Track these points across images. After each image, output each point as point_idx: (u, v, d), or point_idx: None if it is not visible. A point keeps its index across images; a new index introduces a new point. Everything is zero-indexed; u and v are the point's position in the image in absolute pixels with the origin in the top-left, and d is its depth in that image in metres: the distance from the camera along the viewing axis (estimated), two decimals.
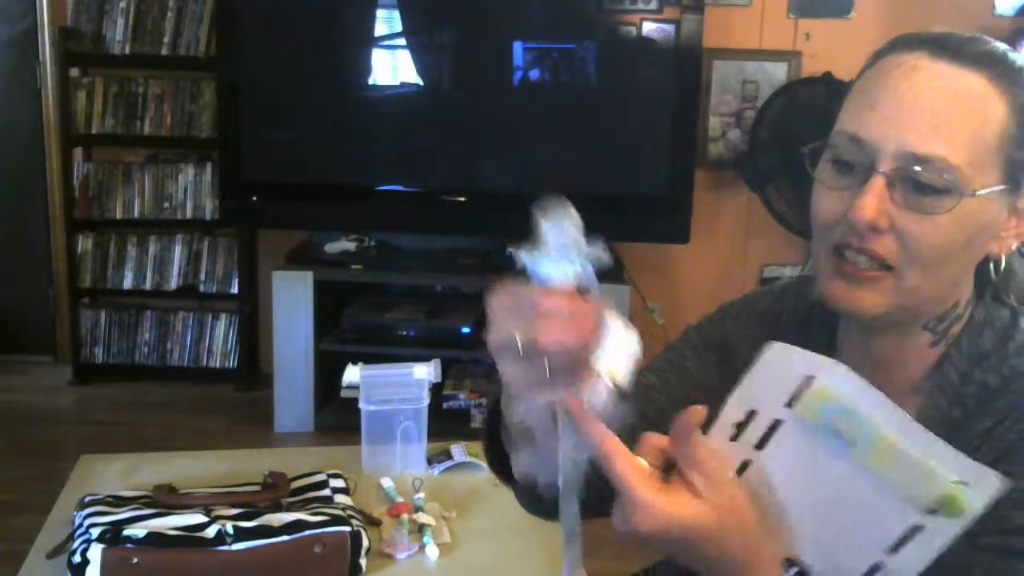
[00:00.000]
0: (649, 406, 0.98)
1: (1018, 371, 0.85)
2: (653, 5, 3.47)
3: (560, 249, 0.77)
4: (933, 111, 0.81)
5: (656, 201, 3.56)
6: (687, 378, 1.03)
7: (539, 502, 0.93)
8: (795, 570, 0.74)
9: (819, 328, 0.96)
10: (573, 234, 0.78)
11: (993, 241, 0.86)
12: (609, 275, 3.54)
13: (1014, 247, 0.87)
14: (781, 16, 3.83)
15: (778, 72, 3.82)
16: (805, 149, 0.86)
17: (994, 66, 0.83)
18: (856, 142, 0.83)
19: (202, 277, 3.93)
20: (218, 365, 3.98)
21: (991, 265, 0.88)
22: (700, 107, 3.70)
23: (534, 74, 3.62)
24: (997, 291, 0.90)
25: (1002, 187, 0.83)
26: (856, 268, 0.83)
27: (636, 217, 3.58)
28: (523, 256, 0.78)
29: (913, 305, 0.85)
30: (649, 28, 3.50)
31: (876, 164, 0.82)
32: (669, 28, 3.48)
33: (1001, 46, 0.86)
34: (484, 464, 1.67)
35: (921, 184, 0.80)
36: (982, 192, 0.81)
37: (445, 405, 3.52)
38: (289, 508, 1.39)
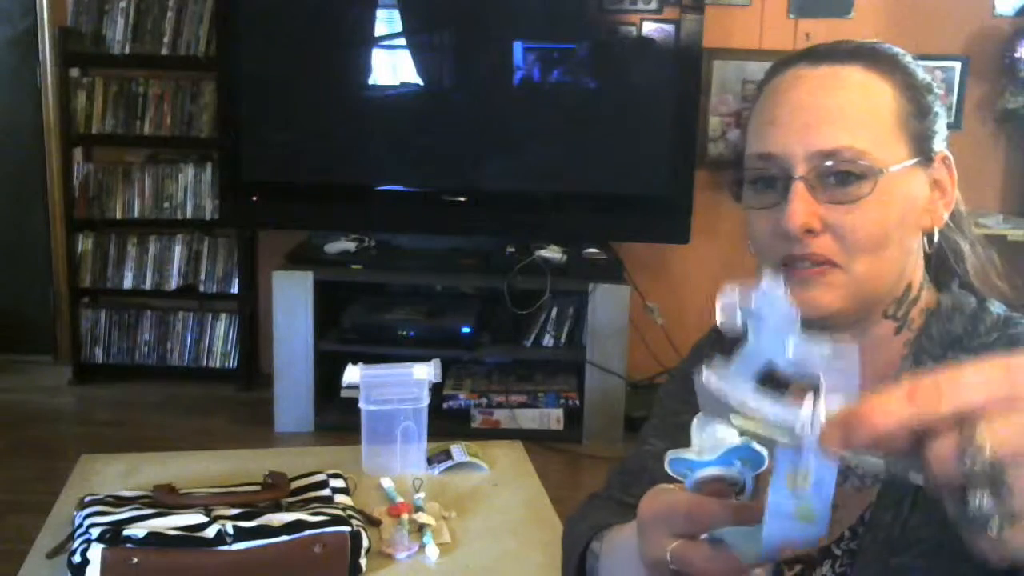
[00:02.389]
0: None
1: (987, 346, 0.85)
2: (653, 5, 3.47)
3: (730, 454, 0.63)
4: (827, 108, 0.85)
5: (656, 201, 3.56)
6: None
7: None
8: None
9: None
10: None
11: (924, 215, 0.89)
12: (609, 275, 3.56)
13: (945, 217, 0.89)
14: (781, 16, 3.83)
15: None
16: (726, 187, 0.90)
17: (864, 57, 0.88)
18: (767, 159, 0.87)
19: (202, 277, 3.93)
20: (218, 365, 3.98)
21: (924, 240, 0.90)
22: (700, 107, 3.70)
23: (534, 74, 3.62)
24: (963, 279, 0.92)
25: (914, 160, 0.87)
26: (804, 271, 0.86)
27: (636, 217, 3.58)
28: (672, 456, 0.66)
29: (868, 294, 0.87)
30: (649, 28, 3.50)
31: (792, 172, 0.85)
32: (669, 28, 3.48)
33: (866, 43, 0.91)
34: (484, 464, 1.68)
35: (838, 176, 0.84)
36: (895, 167, 0.85)
37: (445, 405, 3.53)
38: (289, 508, 1.39)
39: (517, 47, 3.58)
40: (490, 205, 3.58)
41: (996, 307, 0.89)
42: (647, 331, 3.82)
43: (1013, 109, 3.80)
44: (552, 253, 3.59)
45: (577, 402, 3.57)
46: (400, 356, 2.00)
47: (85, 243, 3.91)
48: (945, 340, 0.88)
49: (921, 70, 0.90)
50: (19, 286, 4.16)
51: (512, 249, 3.64)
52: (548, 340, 3.67)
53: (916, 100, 0.88)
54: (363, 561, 1.36)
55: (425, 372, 1.68)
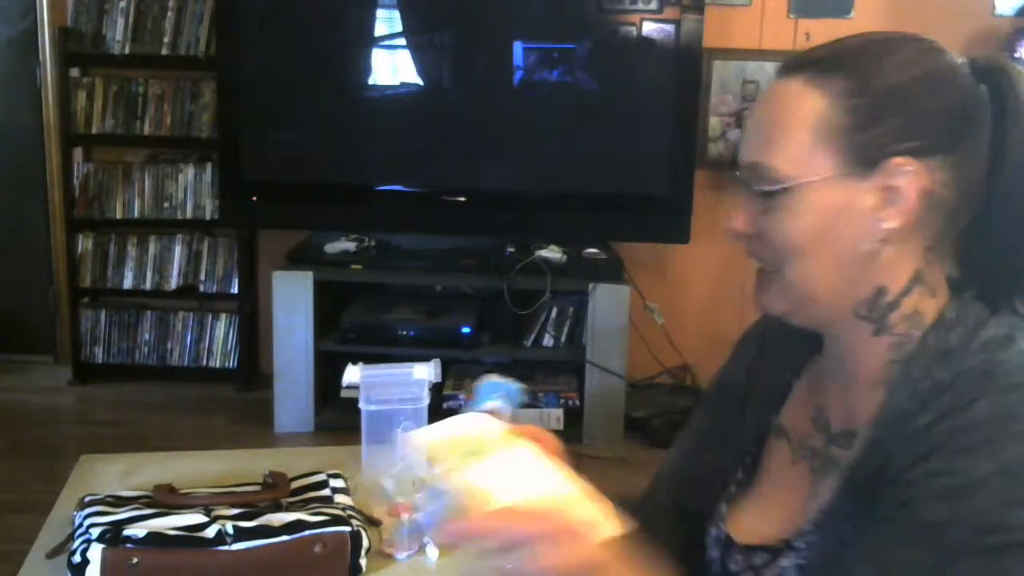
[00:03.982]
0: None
1: (967, 369, 0.84)
2: (653, 5, 3.47)
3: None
4: (759, 123, 0.92)
5: (656, 201, 3.56)
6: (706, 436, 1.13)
7: None
8: None
9: (805, 335, 1.00)
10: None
11: (867, 225, 0.88)
12: (609, 275, 3.56)
13: (889, 226, 0.88)
14: (781, 16, 3.84)
15: None
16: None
17: (815, 64, 0.89)
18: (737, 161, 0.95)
19: (202, 277, 3.93)
20: (218, 365, 3.98)
21: (874, 243, 0.89)
22: (700, 107, 3.70)
23: (534, 74, 3.62)
24: (980, 286, 0.90)
25: (841, 175, 0.87)
26: (759, 274, 0.94)
27: (636, 217, 3.58)
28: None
29: (808, 297, 0.91)
30: (649, 28, 3.50)
31: (740, 180, 0.93)
32: (669, 28, 3.48)
33: (855, 41, 0.91)
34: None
35: (759, 188, 0.90)
36: (811, 182, 0.87)
37: (445, 405, 3.52)
38: (289, 508, 1.39)
39: (517, 47, 3.58)
40: (490, 205, 3.58)
41: (1000, 326, 0.87)
42: (647, 331, 3.82)
43: None
44: (552, 253, 3.59)
45: (577, 402, 3.57)
46: (400, 356, 2.00)
47: (85, 243, 3.91)
48: (940, 351, 0.87)
49: (897, 72, 0.87)
50: (19, 286, 4.16)
51: (512, 249, 3.64)
52: (548, 340, 3.67)
53: (860, 110, 0.87)
54: (363, 561, 1.36)
55: (425, 372, 1.67)
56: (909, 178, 0.86)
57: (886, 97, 0.87)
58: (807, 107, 0.88)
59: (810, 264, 0.89)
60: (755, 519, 0.99)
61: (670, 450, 1.15)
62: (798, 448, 0.99)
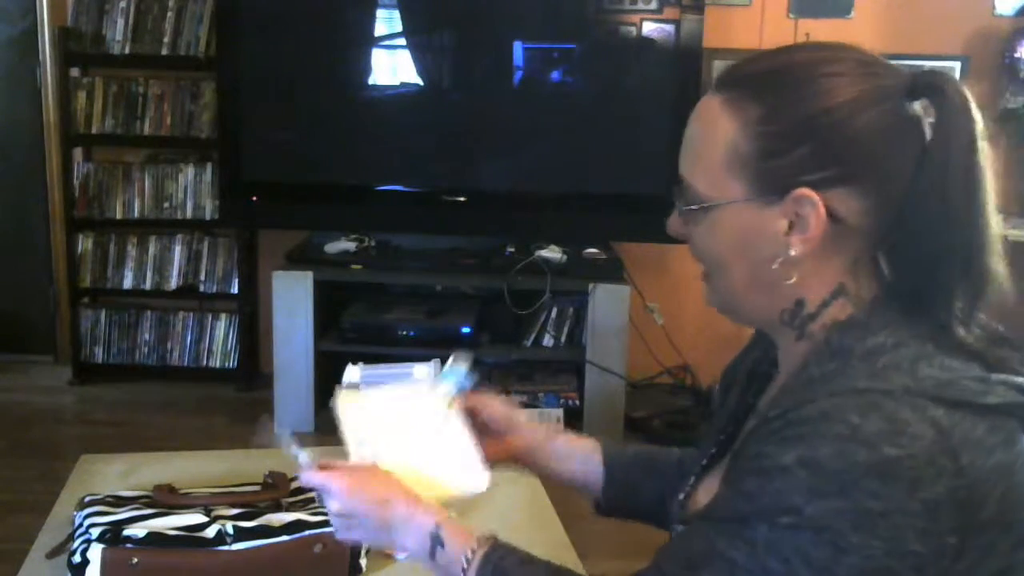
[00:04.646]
0: None
1: (830, 371, 0.85)
2: (653, 5, 3.47)
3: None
4: (686, 137, 0.95)
5: (656, 201, 3.52)
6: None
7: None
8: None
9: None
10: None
11: (774, 247, 0.90)
12: (609, 275, 3.56)
13: (792, 253, 0.89)
14: (781, 16, 3.83)
15: None
16: None
17: (734, 87, 0.90)
18: None
19: (202, 277, 3.93)
20: (218, 365, 3.98)
21: (774, 265, 0.91)
22: None
23: (534, 74, 3.62)
24: (910, 294, 0.89)
25: (749, 199, 0.89)
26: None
27: (636, 217, 3.57)
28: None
29: (733, 302, 0.97)
30: (649, 28, 3.50)
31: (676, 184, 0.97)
32: (669, 28, 3.48)
33: (780, 60, 0.91)
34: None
35: (682, 201, 0.95)
36: (722, 203, 0.91)
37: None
38: (289, 508, 1.40)
39: (517, 47, 3.58)
40: (490, 205, 3.58)
41: (894, 334, 0.86)
42: (647, 331, 3.82)
43: (1013, 109, 3.80)
44: (552, 253, 3.59)
45: (577, 402, 3.57)
46: (400, 356, 1.99)
47: (85, 243, 3.91)
48: (835, 350, 0.88)
49: (813, 101, 0.86)
50: (19, 286, 4.16)
51: (512, 249, 3.64)
52: (548, 340, 3.67)
53: (769, 139, 0.87)
54: (363, 561, 1.36)
55: (425, 372, 1.67)
56: (813, 208, 0.87)
57: (795, 127, 0.87)
58: (721, 130, 0.90)
59: (729, 275, 0.95)
60: (706, 493, 1.03)
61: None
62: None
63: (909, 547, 0.78)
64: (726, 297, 0.97)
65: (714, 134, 0.90)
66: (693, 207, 0.93)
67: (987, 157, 0.88)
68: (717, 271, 0.96)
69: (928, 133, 0.87)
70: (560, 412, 3.56)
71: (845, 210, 0.87)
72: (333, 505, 1.05)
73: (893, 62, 0.91)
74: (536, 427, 1.22)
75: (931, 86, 0.87)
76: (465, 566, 0.99)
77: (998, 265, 0.89)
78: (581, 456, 1.24)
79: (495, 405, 1.20)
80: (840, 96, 0.86)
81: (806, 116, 0.87)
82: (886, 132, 0.86)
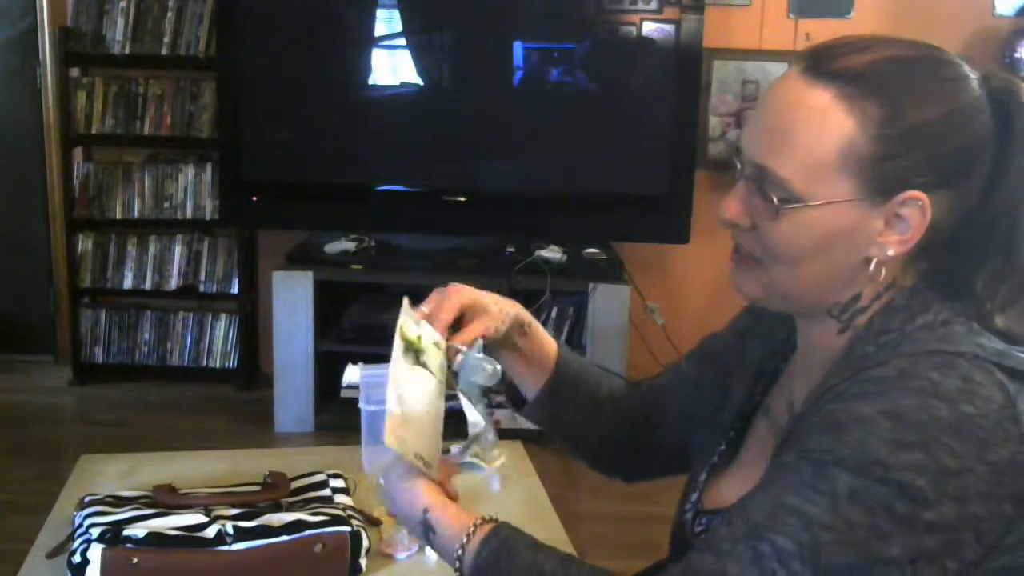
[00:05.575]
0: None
1: (887, 341, 0.87)
2: (653, 5, 3.47)
3: None
4: (773, 125, 0.89)
5: (656, 201, 3.56)
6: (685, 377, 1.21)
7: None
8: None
9: (794, 323, 1.04)
10: None
11: (870, 246, 0.89)
12: (609, 275, 3.56)
13: (892, 253, 0.89)
14: (781, 16, 3.83)
15: (778, 72, 3.77)
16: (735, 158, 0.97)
17: (850, 82, 0.87)
18: (738, 149, 0.94)
19: (202, 277, 3.93)
20: (218, 365, 3.98)
21: (871, 266, 0.90)
22: (700, 107, 3.70)
23: (534, 74, 3.62)
24: (942, 284, 0.92)
25: (856, 199, 0.87)
26: (735, 256, 0.95)
27: (636, 217, 3.58)
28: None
29: (790, 295, 0.93)
30: (649, 28, 3.50)
31: (742, 169, 0.92)
32: (669, 28, 3.48)
33: (891, 56, 0.88)
34: (484, 464, 1.68)
35: (766, 191, 0.89)
36: (822, 203, 0.87)
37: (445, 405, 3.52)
38: (289, 508, 1.39)
39: (517, 47, 3.58)
40: (490, 205, 3.58)
41: (941, 312, 0.89)
42: (647, 331, 3.82)
43: None
44: (552, 253, 3.59)
45: None
46: None
47: (85, 243, 3.91)
48: (879, 333, 0.89)
49: (928, 107, 0.87)
50: (19, 286, 4.16)
51: (512, 249, 3.64)
52: None
53: (889, 142, 0.86)
54: (363, 561, 1.36)
55: None
56: (917, 210, 0.87)
57: (914, 131, 0.86)
58: (836, 128, 0.86)
59: (799, 271, 0.91)
60: (728, 488, 1.03)
61: (647, 380, 1.25)
62: (773, 426, 1.03)
63: (973, 510, 0.79)
64: (782, 289, 0.93)
65: (825, 130, 0.86)
66: (786, 204, 0.88)
67: None
68: (784, 266, 0.91)
69: (1007, 136, 0.89)
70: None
71: (937, 214, 0.88)
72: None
73: None
74: (498, 318, 1.11)
75: (1006, 91, 0.89)
76: (464, 542, 0.96)
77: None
78: (538, 356, 1.17)
79: (470, 291, 1.13)
80: (957, 102, 0.87)
81: (925, 121, 0.86)
82: (978, 142, 0.88)
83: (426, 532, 1.00)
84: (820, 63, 0.88)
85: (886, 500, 0.78)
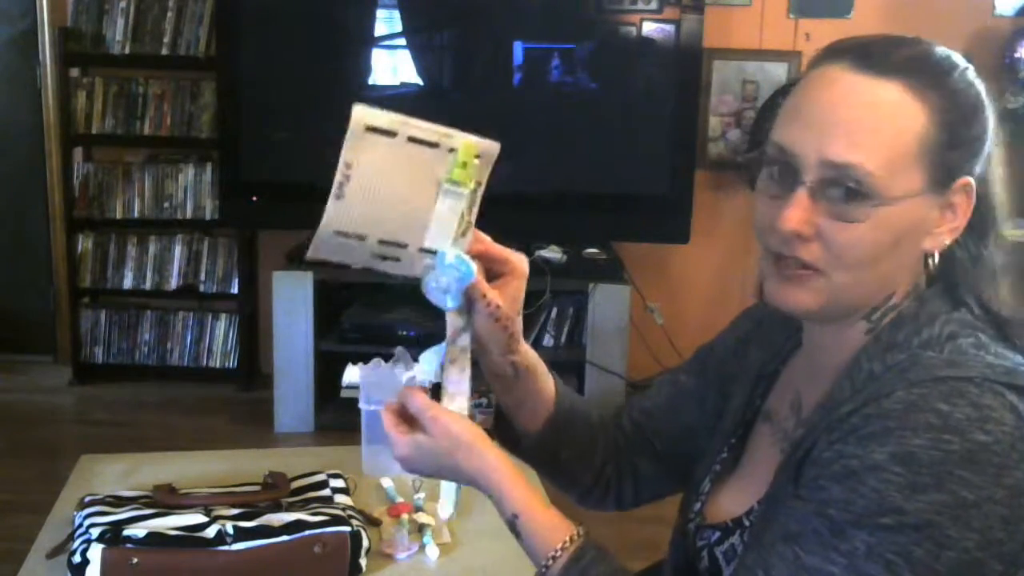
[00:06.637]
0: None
1: (898, 362, 0.86)
2: (653, 5, 3.47)
3: None
4: (849, 122, 0.85)
5: (656, 201, 3.56)
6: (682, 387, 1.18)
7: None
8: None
9: (794, 324, 1.03)
10: None
11: (926, 238, 0.89)
12: (609, 275, 3.56)
13: (947, 242, 0.89)
14: (781, 16, 3.83)
15: (778, 72, 3.82)
16: (740, 158, 0.92)
17: (911, 73, 0.86)
18: (783, 152, 0.88)
19: (202, 277, 3.92)
20: (218, 365, 3.98)
21: (927, 260, 0.90)
22: (700, 107, 3.70)
23: (534, 74, 3.62)
24: (948, 286, 0.91)
25: (925, 191, 0.86)
26: (789, 270, 0.89)
27: (636, 217, 3.58)
28: None
29: (847, 301, 0.90)
30: (649, 28, 3.50)
31: (800, 175, 0.86)
32: (669, 28, 3.48)
33: (924, 49, 0.89)
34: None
35: (841, 191, 0.85)
36: (902, 196, 0.85)
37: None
38: (289, 508, 1.40)
39: (517, 47, 3.58)
40: (490, 205, 3.57)
41: (948, 324, 0.88)
42: (647, 331, 3.82)
43: (1013, 109, 3.80)
44: (552, 253, 3.59)
45: None
46: None
47: (85, 243, 3.91)
48: (889, 345, 0.89)
49: (974, 88, 0.88)
50: (19, 286, 4.16)
51: None
52: (548, 340, 3.67)
53: (952, 128, 0.86)
54: (363, 561, 1.36)
55: (425, 372, 1.67)
56: (966, 196, 0.88)
57: (968, 115, 0.88)
58: (913, 119, 0.85)
59: (866, 275, 0.88)
60: (732, 498, 1.02)
61: (651, 387, 1.20)
62: (777, 431, 1.01)
63: (996, 536, 0.78)
64: (843, 296, 0.89)
65: (899, 122, 0.85)
66: (873, 202, 0.84)
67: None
68: (853, 269, 0.87)
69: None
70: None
71: (978, 193, 0.89)
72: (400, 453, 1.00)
73: None
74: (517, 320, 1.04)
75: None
76: (549, 563, 0.92)
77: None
78: (541, 387, 1.09)
79: (495, 248, 1.07)
80: (979, 87, 0.89)
81: (971, 105, 0.88)
82: (992, 124, 0.91)
83: (512, 530, 0.97)
84: (874, 58, 0.86)
85: (905, 549, 0.78)
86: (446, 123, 0.99)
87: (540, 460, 1.13)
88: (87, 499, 1.40)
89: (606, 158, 3.57)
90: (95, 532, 1.28)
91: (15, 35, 3.99)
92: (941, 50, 0.90)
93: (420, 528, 1.47)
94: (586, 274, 3.54)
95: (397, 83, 3.72)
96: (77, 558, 1.27)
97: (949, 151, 0.86)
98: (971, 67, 0.90)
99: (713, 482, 1.07)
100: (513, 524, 0.95)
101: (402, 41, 3.71)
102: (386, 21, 3.75)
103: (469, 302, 1.03)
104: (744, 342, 1.11)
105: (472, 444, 0.97)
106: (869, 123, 0.85)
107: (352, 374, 1.69)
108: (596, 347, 3.52)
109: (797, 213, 0.85)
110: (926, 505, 0.78)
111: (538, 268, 3.53)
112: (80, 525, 1.33)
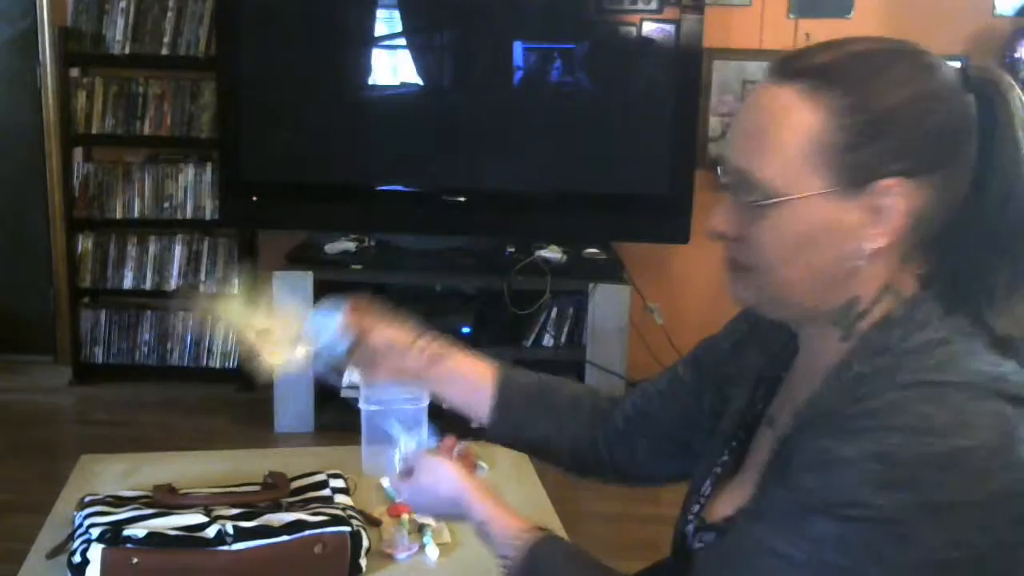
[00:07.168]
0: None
1: (886, 366, 0.86)
2: (653, 5, 3.47)
3: None
4: (748, 129, 0.91)
5: (656, 201, 3.56)
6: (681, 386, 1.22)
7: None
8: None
9: (787, 326, 1.04)
10: None
11: (852, 241, 0.88)
12: (609, 275, 3.56)
13: (874, 246, 0.88)
14: (781, 16, 3.83)
15: None
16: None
17: (810, 77, 0.88)
18: (719, 159, 0.95)
19: (202, 277, 3.93)
20: (218, 365, 3.98)
21: (859, 263, 0.90)
22: (700, 107, 3.70)
23: (534, 74, 3.62)
24: (944, 292, 0.90)
25: (830, 192, 0.87)
26: (728, 266, 0.96)
27: (636, 217, 3.58)
28: None
29: (785, 301, 0.93)
30: (649, 28, 3.50)
31: (723, 179, 0.94)
32: (669, 28, 3.48)
33: (848, 52, 0.89)
34: (484, 464, 1.68)
35: (746, 194, 0.90)
36: (802, 197, 0.87)
37: (445, 405, 3.52)
38: (289, 508, 1.40)
39: (517, 47, 3.58)
40: (490, 205, 3.58)
41: (941, 329, 0.87)
42: (647, 331, 3.82)
43: None
44: (552, 253, 3.59)
45: None
46: None
47: (85, 243, 3.91)
48: (878, 348, 0.88)
49: (911, 88, 0.87)
50: (19, 286, 4.16)
51: (512, 249, 3.64)
52: (548, 340, 3.67)
53: (857, 130, 0.86)
54: (363, 561, 1.36)
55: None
56: (897, 199, 0.87)
57: (882, 117, 0.86)
58: (801, 121, 0.87)
59: (787, 273, 0.91)
60: (731, 500, 1.03)
61: (647, 382, 1.25)
62: (778, 435, 1.01)
63: (969, 539, 0.78)
64: (776, 294, 0.93)
65: (791, 124, 0.87)
66: (763, 201, 0.89)
67: None
68: (773, 268, 0.91)
69: (987, 122, 0.89)
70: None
71: (920, 202, 0.87)
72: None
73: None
74: (423, 347, 1.25)
75: (986, 81, 0.89)
76: (510, 554, 1.03)
77: None
78: (469, 383, 1.26)
79: (381, 330, 1.24)
80: (917, 88, 0.87)
81: (892, 106, 0.86)
82: (957, 125, 0.88)
83: (482, 537, 1.10)
84: (786, 65, 0.90)
85: (870, 541, 0.79)
86: (446, 123, 1.01)
87: (506, 443, 1.27)
88: (87, 499, 1.40)
89: (606, 158, 3.57)
90: (95, 532, 1.28)
91: (15, 35, 3.99)
92: (878, 53, 0.89)
93: (420, 528, 1.47)
94: (586, 274, 3.54)
95: (397, 83, 3.72)
96: (77, 558, 1.27)
97: (852, 152, 0.86)
98: (928, 67, 0.88)
99: (714, 485, 1.07)
100: (482, 531, 1.09)
101: (402, 41, 3.71)
102: (386, 21, 3.75)
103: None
104: (741, 344, 1.12)
105: (447, 475, 1.12)
106: (762, 128, 0.89)
107: (352, 374, 1.69)
108: (596, 347, 3.52)
109: (718, 215, 0.94)
110: (896, 502, 0.78)
111: (538, 268, 3.54)
112: (80, 525, 1.33)
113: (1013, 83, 0.89)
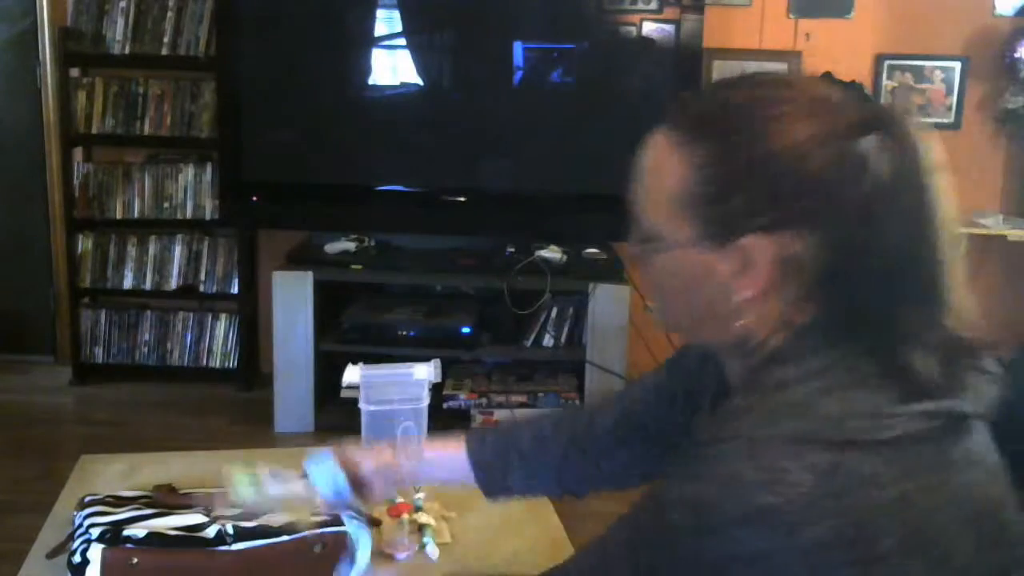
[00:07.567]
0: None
1: (743, 406, 0.86)
2: (653, 5, 3.47)
3: None
4: (639, 171, 0.93)
5: None
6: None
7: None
8: None
9: None
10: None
11: (723, 289, 0.88)
12: (609, 275, 3.56)
13: (743, 297, 0.87)
14: (781, 16, 3.83)
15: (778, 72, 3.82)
16: None
17: (682, 128, 0.90)
18: None
19: (202, 277, 3.93)
20: (218, 365, 3.98)
21: (736, 307, 0.88)
22: None
23: (534, 74, 3.62)
24: (829, 325, 0.87)
25: (697, 243, 0.87)
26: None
27: None
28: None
29: (685, 330, 0.98)
30: (649, 28, 3.50)
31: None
32: (669, 28, 3.48)
33: (723, 99, 0.89)
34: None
35: (638, 235, 0.93)
36: (673, 246, 0.89)
37: (445, 405, 3.53)
38: None
39: (517, 47, 3.58)
40: (490, 205, 3.58)
41: (803, 365, 0.85)
42: (647, 331, 3.82)
43: (1013, 109, 3.80)
44: (552, 253, 3.59)
45: (577, 402, 3.57)
46: (400, 356, 2.00)
47: (85, 243, 3.91)
48: (755, 383, 0.88)
49: (764, 143, 0.84)
50: (19, 286, 4.16)
51: (512, 249, 3.64)
52: (548, 340, 3.67)
53: (719, 182, 0.85)
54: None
55: (425, 372, 1.67)
56: (763, 252, 0.85)
57: (740, 171, 0.84)
58: (671, 171, 0.88)
59: (675, 309, 0.95)
60: None
61: (631, 384, 1.31)
62: None
63: None
64: (673, 325, 0.98)
65: (664, 173, 0.89)
66: (644, 244, 0.92)
67: (941, 187, 0.85)
68: (662, 304, 0.95)
69: (881, 166, 0.83)
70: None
71: (794, 250, 0.84)
72: None
73: (851, 90, 0.88)
74: (404, 464, 1.26)
75: (879, 121, 0.84)
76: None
77: (954, 287, 0.86)
78: (447, 463, 1.28)
79: (365, 460, 1.25)
80: (786, 138, 0.84)
81: (751, 160, 0.84)
82: (834, 172, 0.83)
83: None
84: (672, 111, 0.92)
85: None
86: (446, 123, 1.01)
87: (509, 495, 1.30)
88: (87, 499, 1.40)
89: (606, 158, 3.55)
90: (95, 532, 1.28)
91: (15, 35, 3.99)
92: (754, 102, 0.87)
93: (420, 528, 1.46)
94: (586, 274, 3.54)
95: (397, 83, 3.72)
96: (77, 558, 1.27)
97: (715, 205, 0.85)
98: (810, 113, 0.84)
99: None
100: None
101: (402, 41, 3.71)
102: (386, 21, 3.75)
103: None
104: (704, 359, 1.11)
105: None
106: (645, 173, 0.92)
107: (352, 374, 1.68)
108: (596, 347, 3.52)
109: (629, 247, 0.95)
110: (707, 547, 0.80)
111: (538, 268, 3.54)
112: (80, 525, 1.33)
113: (908, 123, 0.85)
